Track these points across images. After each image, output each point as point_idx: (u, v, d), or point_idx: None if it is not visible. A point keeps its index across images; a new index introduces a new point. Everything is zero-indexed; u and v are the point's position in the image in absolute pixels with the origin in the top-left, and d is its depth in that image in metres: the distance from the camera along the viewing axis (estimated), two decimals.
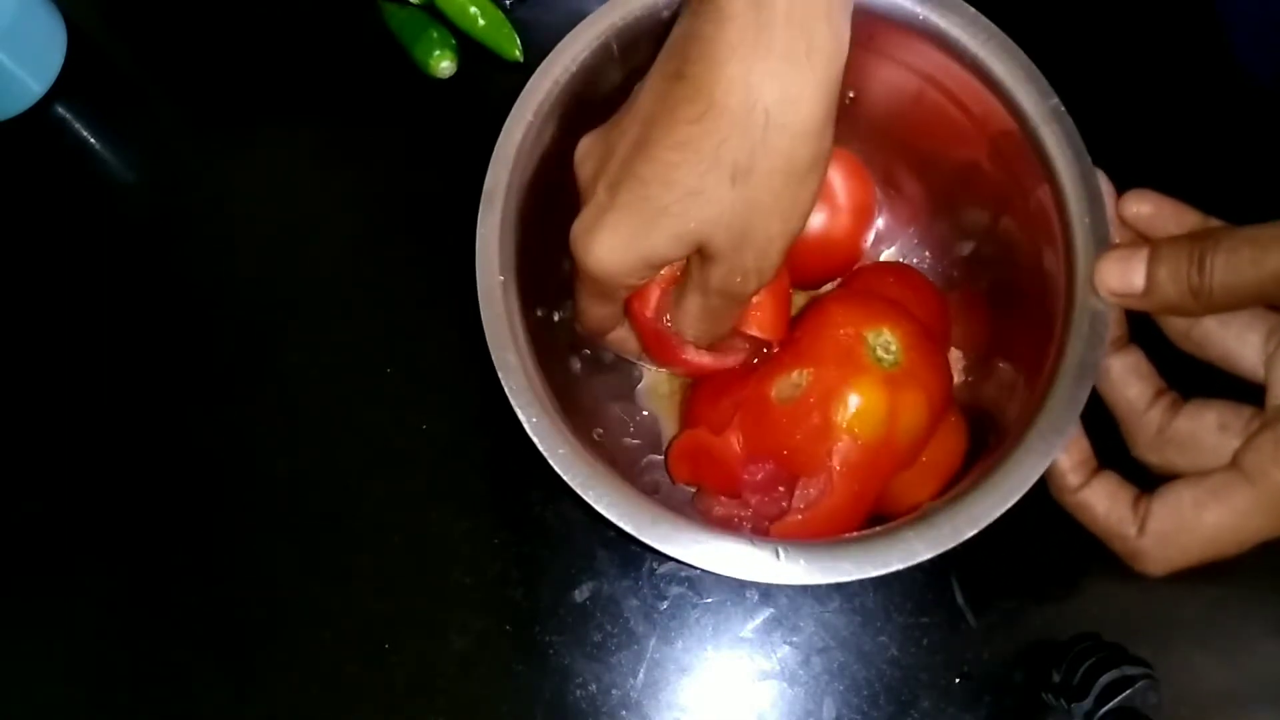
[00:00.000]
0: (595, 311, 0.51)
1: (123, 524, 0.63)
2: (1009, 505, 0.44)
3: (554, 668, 0.59)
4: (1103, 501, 0.46)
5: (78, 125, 0.73)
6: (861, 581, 0.43)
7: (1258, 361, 0.46)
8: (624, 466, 0.57)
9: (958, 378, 0.57)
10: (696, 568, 0.44)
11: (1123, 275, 0.45)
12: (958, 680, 0.59)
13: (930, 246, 0.61)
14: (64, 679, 0.61)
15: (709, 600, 0.60)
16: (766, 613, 0.60)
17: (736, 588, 0.61)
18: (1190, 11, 0.71)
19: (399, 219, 0.69)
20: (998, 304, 0.56)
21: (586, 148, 0.48)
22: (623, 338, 0.54)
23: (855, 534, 0.45)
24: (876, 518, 0.49)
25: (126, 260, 0.69)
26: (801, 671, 0.59)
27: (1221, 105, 0.69)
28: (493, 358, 0.47)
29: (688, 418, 0.58)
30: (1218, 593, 0.59)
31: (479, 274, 0.48)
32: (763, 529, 0.51)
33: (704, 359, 0.52)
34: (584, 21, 0.52)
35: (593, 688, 0.59)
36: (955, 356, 0.58)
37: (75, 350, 0.67)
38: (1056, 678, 0.55)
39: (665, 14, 0.51)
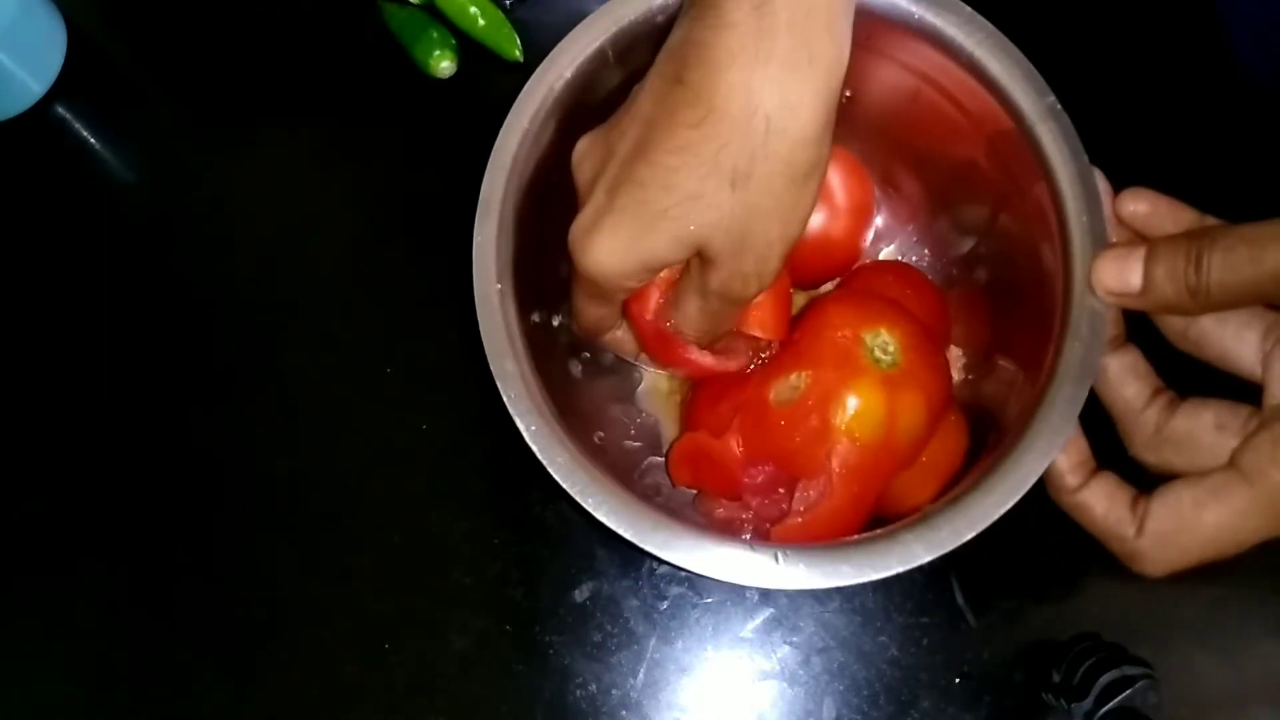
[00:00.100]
0: (592, 312, 0.51)
1: (123, 524, 0.63)
2: (1007, 507, 0.44)
3: (554, 668, 0.59)
4: (1101, 502, 0.46)
5: (78, 125, 0.73)
6: (861, 582, 0.43)
7: (1255, 360, 0.46)
8: (625, 469, 0.57)
9: (957, 375, 0.57)
10: (697, 573, 0.44)
11: (1120, 274, 0.45)
12: (958, 680, 0.59)
13: (929, 244, 0.61)
14: (64, 679, 0.61)
15: (709, 600, 0.60)
16: (766, 613, 0.60)
17: (736, 588, 0.61)
18: (1190, 11, 0.71)
19: (399, 219, 0.69)
20: (997, 302, 0.56)
21: (585, 149, 0.48)
22: (620, 338, 0.54)
23: (854, 537, 0.45)
24: (878, 518, 0.49)
25: (126, 260, 0.69)
26: (801, 671, 0.59)
27: (1221, 105, 0.69)
28: (491, 367, 0.47)
29: (687, 421, 0.58)
30: (1218, 593, 0.59)
31: (476, 282, 0.48)
32: (764, 531, 0.51)
33: (705, 360, 0.52)
34: (579, 26, 0.52)
35: (593, 688, 0.59)
36: (955, 354, 0.58)
37: (75, 350, 0.67)
38: (1056, 678, 0.55)
39: (660, 19, 0.51)
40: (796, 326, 0.52)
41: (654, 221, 0.43)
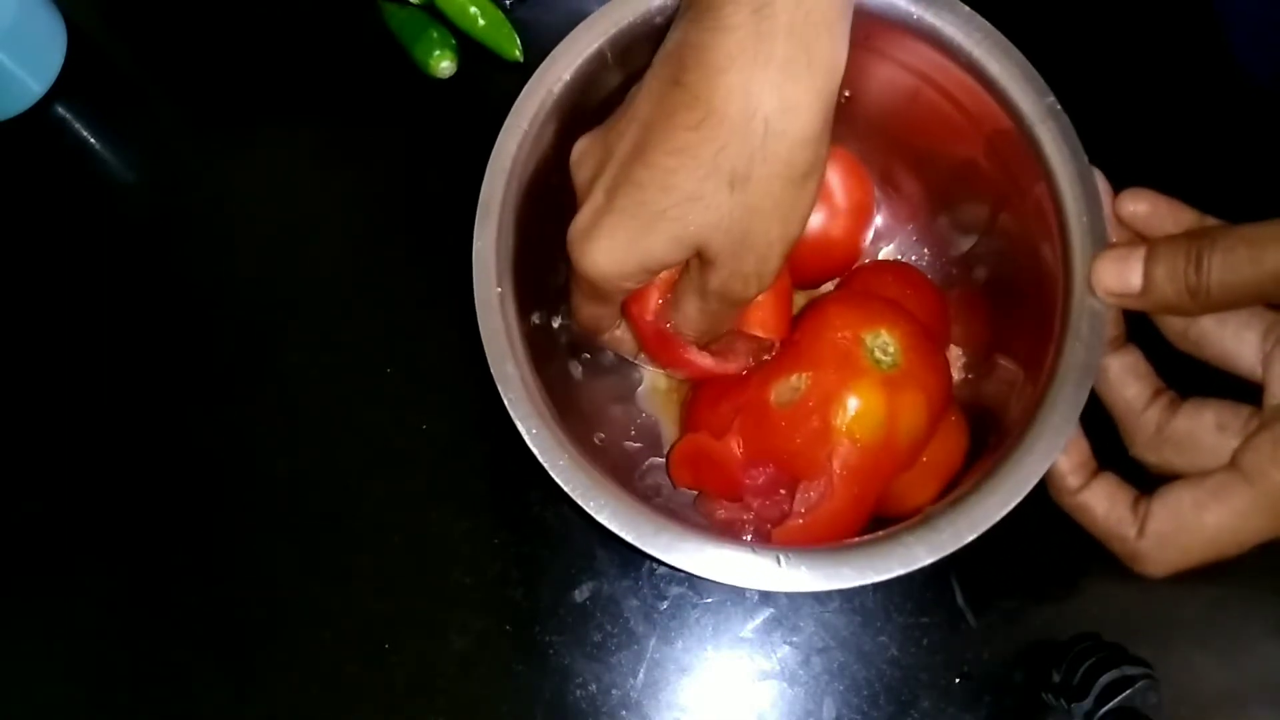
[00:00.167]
0: (591, 311, 0.52)
1: (123, 524, 0.63)
2: (1009, 509, 0.44)
3: (554, 668, 0.59)
4: (1102, 503, 0.46)
5: (78, 125, 0.73)
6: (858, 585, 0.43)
7: (1255, 360, 0.46)
8: (625, 470, 0.57)
9: (957, 375, 0.57)
10: (699, 575, 0.44)
11: (1120, 275, 0.45)
12: (958, 680, 0.59)
13: (929, 244, 0.61)
14: (64, 679, 0.61)
15: (709, 600, 0.60)
16: (766, 613, 0.60)
17: (736, 588, 0.60)
18: (1189, 11, 0.71)
19: (399, 219, 0.69)
20: (997, 301, 0.56)
21: (583, 150, 0.48)
22: (619, 338, 0.55)
23: (856, 539, 0.45)
24: (878, 519, 0.49)
25: (126, 260, 0.69)
26: (801, 671, 0.59)
27: (1220, 105, 0.69)
28: (492, 370, 0.47)
29: (688, 422, 0.57)
30: (1218, 593, 0.59)
31: (476, 286, 0.48)
32: (765, 532, 0.51)
33: (704, 362, 0.52)
34: (578, 28, 0.52)
35: (593, 688, 0.59)
36: (955, 354, 0.58)
37: (75, 350, 0.67)
38: (1056, 678, 0.55)
39: (659, 20, 0.51)
40: (797, 327, 0.52)
41: (652, 222, 0.43)
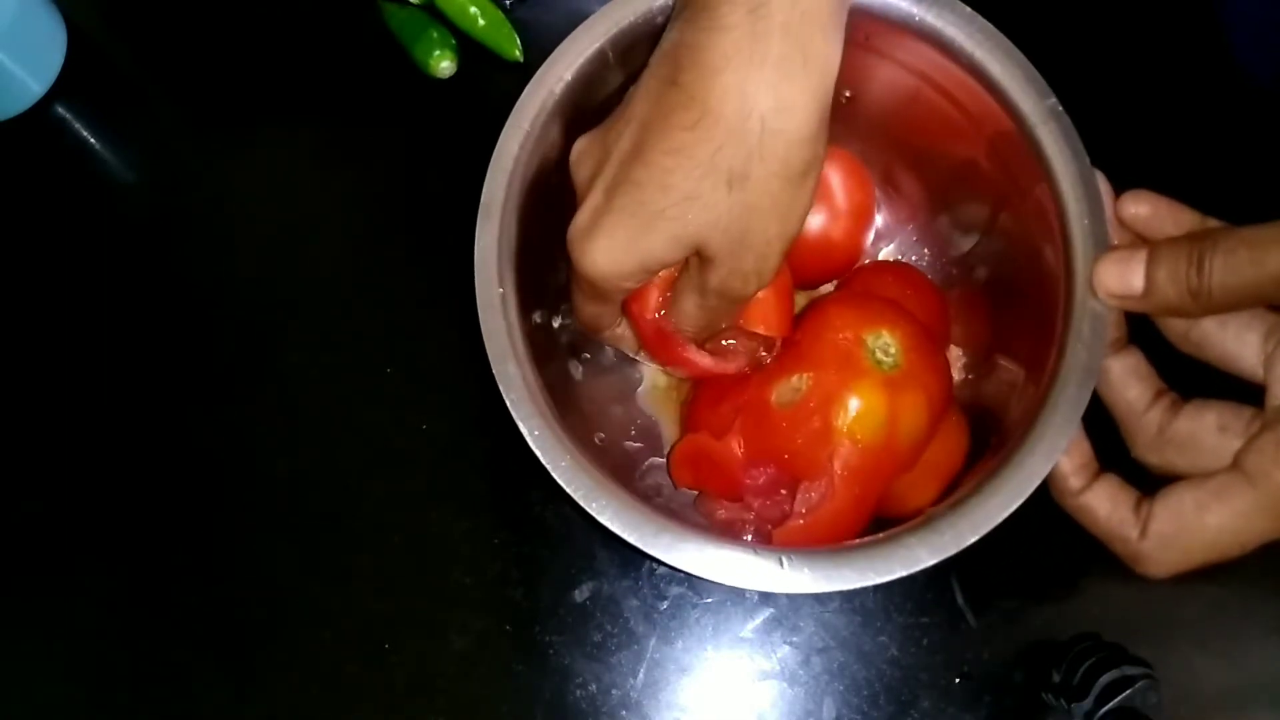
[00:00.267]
0: (591, 310, 0.52)
1: (123, 524, 0.63)
2: (1011, 510, 0.44)
3: (554, 668, 0.59)
4: (1104, 505, 0.46)
5: (78, 125, 0.73)
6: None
7: (1257, 362, 0.46)
8: (626, 470, 0.57)
9: (958, 375, 0.57)
10: (701, 576, 0.44)
11: (1121, 277, 0.45)
12: (958, 680, 0.59)
13: (929, 244, 0.61)
14: (64, 679, 0.61)
15: (709, 600, 0.60)
16: (766, 613, 0.60)
17: (736, 588, 0.60)
18: (1190, 11, 0.71)
19: (399, 219, 0.69)
20: (997, 302, 0.56)
21: (582, 150, 0.48)
22: (620, 335, 0.55)
23: (858, 541, 0.45)
24: (879, 519, 0.49)
25: (126, 260, 0.69)
26: (801, 671, 0.59)
27: (1221, 105, 0.69)
28: (494, 370, 0.47)
29: (689, 422, 0.57)
30: (1218, 593, 0.59)
31: (478, 287, 0.48)
32: (765, 533, 0.51)
33: (705, 361, 0.52)
34: (579, 28, 0.52)
35: (593, 688, 0.59)
36: (955, 354, 0.58)
37: (75, 350, 0.67)
38: (1056, 678, 0.55)
39: (660, 19, 0.51)
40: (797, 328, 0.52)
41: (651, 222, 0.44)
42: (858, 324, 0.50)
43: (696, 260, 0.46)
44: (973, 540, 0.43)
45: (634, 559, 0.61)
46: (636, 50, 0.51)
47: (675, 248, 0.44)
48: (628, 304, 0.51)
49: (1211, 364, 0.47)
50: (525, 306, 0.50)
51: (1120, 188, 0.49)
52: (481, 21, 0.70)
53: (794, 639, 0.60)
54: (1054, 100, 0.49)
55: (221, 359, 0.66)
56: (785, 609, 0.60)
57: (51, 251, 0.70)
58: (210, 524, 0.63)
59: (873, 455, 0.49)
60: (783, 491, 0.51)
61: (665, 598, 0.60)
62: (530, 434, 0.46)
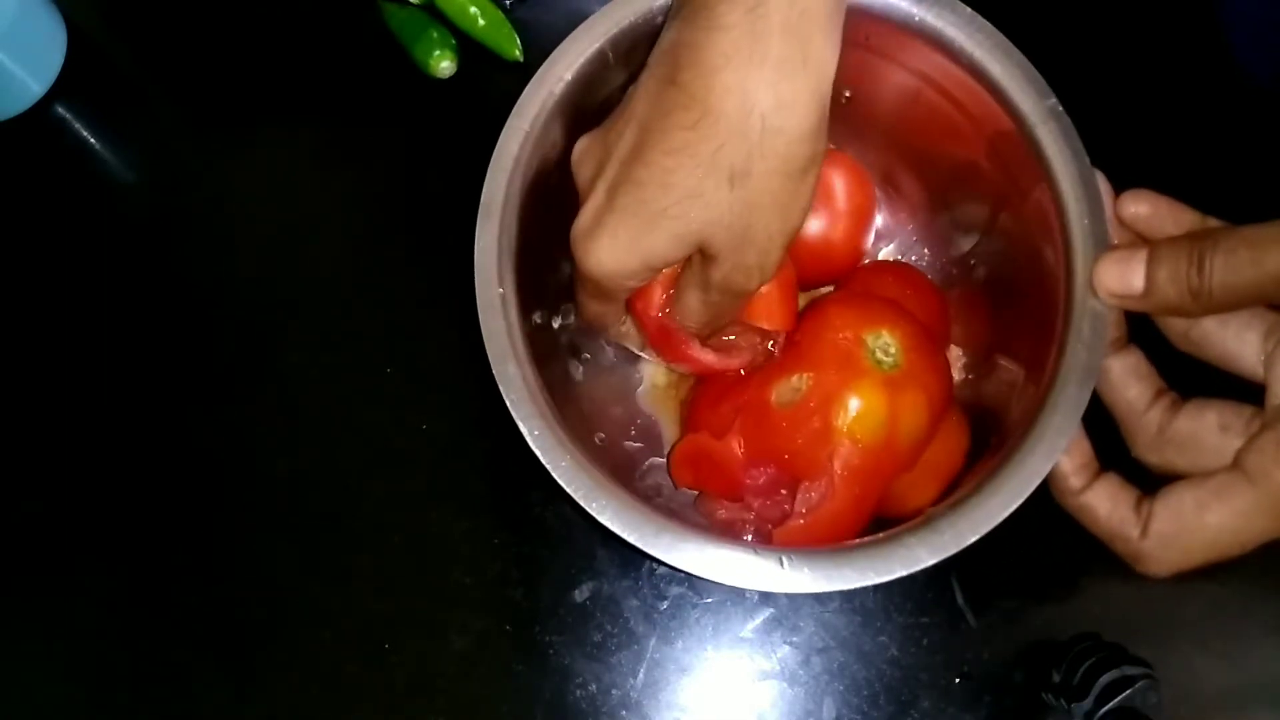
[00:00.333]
0: (596, 309, 0.52)
1: (123, 524, 0.63)
2: (1011, 510, 0.44)
3: (554, 668, 0.59)
4: (1105, 504, 0.46)
5: (78, 125, 0.73)
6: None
7: (1257, 361, 0.46)
8: (626, 470, 0.57)
9: (958, 375, 0.57)
10: (701, 576, 0.44)
11: (1121, 277, 0.45)
12: (958, 680, 0.59)
13: (929, 244, 0.61)
14: (64, 679, 0.61)
15: (709, 600, 0.60)
16: (766, 613, 0.60)
17: (736, 588, 0.60)
18: (1190, 11, 0.71)
19: (399, 219, 0.69)
20: (997, 302, 0.56)
21: (584, 149, 0.48)
22: (625, 332, 0.55)
23: (858, 540, 0.45)
24: (879, 519, 0.49)
25: (126, 260, 0.69)
26: (801, 671, 0.59)
27: (1220, 105, 0.69)
28: (494, 370, 0.47)
29: (689, 422, 0.57)
30: (1218, 592, 0.59)
31: (478, 287, 0.48)
32: (765, 533, 0.51)
33: (708, 357, 0.52)
34: (579, 28, 0.52)
35: (593, 688, 0.59)
36: (955, 354, 0.58)
37: (75, 350, 0.67)
38: (1056, 678, 0.55)
39: (660, 19, 0.51)
40: (797, 328, 0.52)
41: (654, 221, 0.44)
42: (858, 324, 0.50)
43: (699, 257, 0.46)
44: (973, 540, 0.43)
45: (634, 559, 0.61)
46: (637, 50, 0.51)
47: (678, 246, 0.45)
48: (632, 302, 0.51)
49: (1211, 363, 0.47)
50: (525, 307, 0.50)
51: (1120, 188, 0.49)
52: (481, 21, 0.70)
53: (794, 639, 0.60)
54: (1054, 100, 0.49)
55: (221, 359, 0.66)
56: (785, 609, 0.60)
57: (51, 251, 0.70)
58: (210, 524, 0.63)
59: (873, 455, 0.49)
60: (783, 491, 0.51)
61: (665, 598, 0.60)
62: (530, 434, 0.46)
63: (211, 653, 0.61)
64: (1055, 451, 0.45)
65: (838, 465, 0.48)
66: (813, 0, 0.41)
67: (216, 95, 0.73)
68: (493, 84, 0.71)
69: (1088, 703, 0.53)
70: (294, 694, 0.60)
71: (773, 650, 0.60)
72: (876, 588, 0.60)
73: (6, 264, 0.69)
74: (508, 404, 0.46)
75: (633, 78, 0.47)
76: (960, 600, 0.60)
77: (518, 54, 0.70)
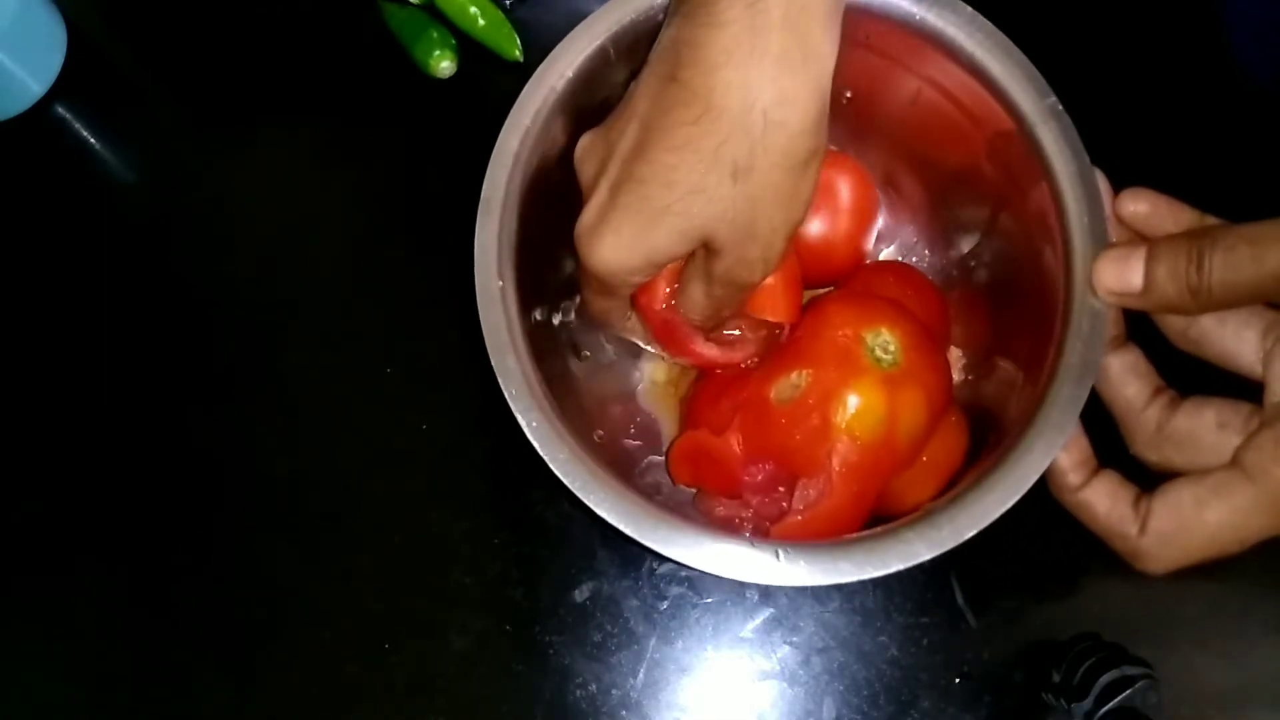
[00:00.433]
0: (601, 305, 0.52)
1: (123, 524, 0.63)
2: (1009, 505, 0.44)
3: (554, 668, 0.59)
4: (1103, 501, 0.46)
5: (78, 125, 0.73)
6: (862, 581, 0.43)
7: (1255, 359, 0.46)
8: (625, 468, 0.57)
9: (958, 376, 0.57)
10: (697, 569, 0.44)
11: (1120, 274, 0.45)
12: (958, 680, 0.59)
13: (929, 245, 0.61)
14: (64, 679, 0.61)
15: (709, 600, 0.60)
16: (766, 613, 0.60)
17: (736, 588, 0.61)
18: (1190, 11, 0.71)
19: (399, 219, 0.69)
20: (997, 302, 0.56)
21: (586, 146, 0.48)
22: (631, 327, 0.55)
23: (855, 534, 0.45)
24: (877, 517, 0.49)
25: (126, 260, 0.69)
26: (801, 671, 0.59)
27: (1221, 105, 0.69)
28: (493, 364, 0.47)
29: (688, 419, 0.58)
30: (1218, 593, 0.59)
31: (478, 280, 0.48)
32: (764, 529, 0.51)
33: (712, 351, 0.53)
34: (581, 24, 0.52)
35: (593, 688, 0.59)
36: (955, 355, 0.58)
37: (75, 350, 0.67)
38: (1056, 678, 0.55)
39: (662, 16, 0.51)
40: (797, 325, 0.52)
41: (657, 217, 0.44)
42: (857, 321, 0.50)
43: (703, 251, 0.46)
44: (970, 535, 0.43)
45: (634, 559, 0.61)
46: (638, 47, 0.51)
47: (682, 241, 0.45)
48: (636, 297, 0.51)
49: (1210, 361, 0.47)
50: (525, 303, 0.50)
51: (1119, 186, 0.49)
52: (481, 21, 0.70)
53: (794, 639, 0.60)
54: (1054, 99, 0.49)
55: (221, 359, 0.66)
56: (785, 609, 0.60)
57: (51, 251, 0.70)
58: (210, 524, 0.63)
59: (871, 452, 0.49)
60: (781, 489, 0.51)
61: (665, 598, 0.60)
62: (528, 425, 0.46)
63: (211, 653, 0.61)
64: (1053, 448, 0.44)
65: (836, 462, 0.48)
66: None
67: (216, 95, 0.74)
68: (493, 84, 0.71)
69: (1088, 703, 0.53)
70: (294, 694, 0.60)
71: (773, 650, 0.60)
72: (876, 587, 0.60)
73: (6, 264, 0.69)
74: (507, 397, 0.46)
75: (634, 75, 0.47)
76: (960, 600, 0.60)
77: (518, 54, 0.70)
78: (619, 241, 0.45)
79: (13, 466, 0.65)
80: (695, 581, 0.61)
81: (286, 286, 0.68)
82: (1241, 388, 0.46)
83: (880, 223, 0.62)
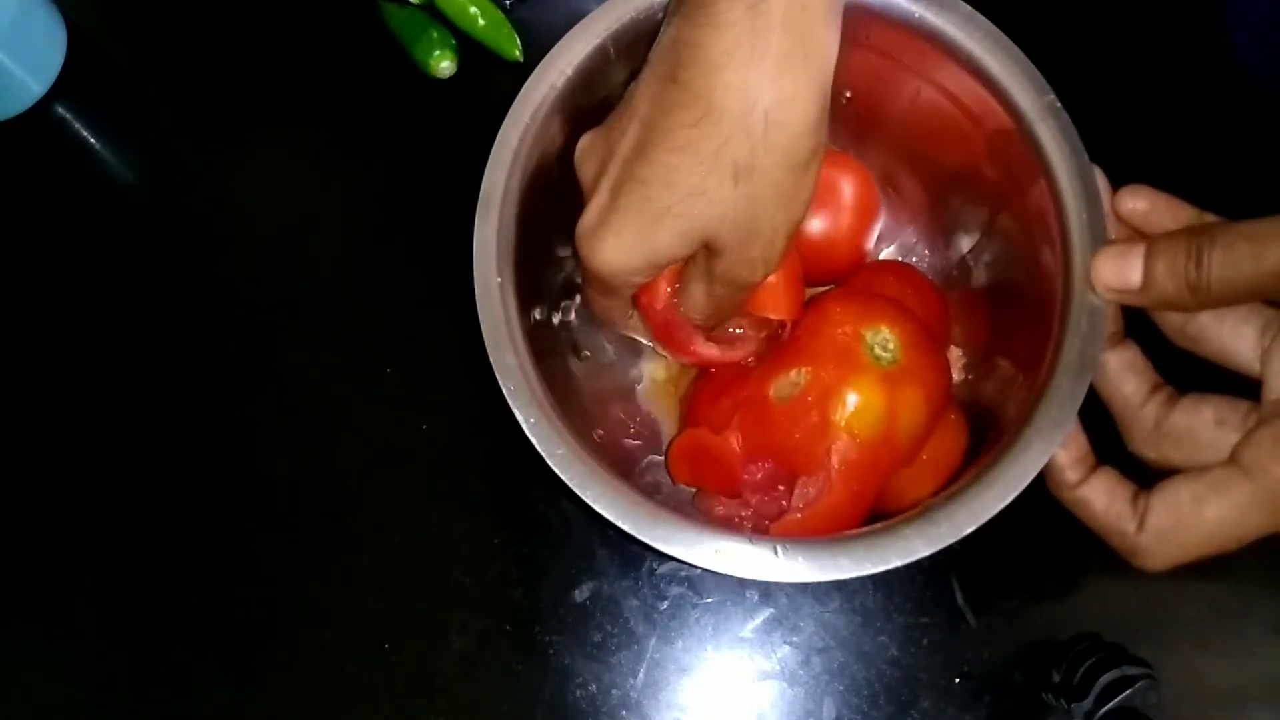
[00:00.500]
0: (603, 304, 0.53)
1: (123, 524, 0.63)
2: (1008, 501, 0.44)
3: (554, 668, 0.59)
4: (1101, 498, 0.46)
5: (78, 125, 0.73)
6: (861, 581, 0.43)
7: (1253, 356, 0.46)
8: (624, 467, 0.57)
9: (957, 375, 0.57)
10: (697, 567, 0.44)
11: (1119, 271, 0.45)
12: (958, 680, 0.59)
13: (929, 244, 0.61)
14: (64, 679, 0.61)
15: (709, 600, 0.60)
16: (766, 613, 0.60)
17: (736, 587, 0.61)
18: (1190, 11, 0.71)
19: (399, 219, 0.69)
20: (997, 301, 0.56)
21: (586, 147, 0.48)
22: (633, 324, 0.55)
23: (854, 531, 0.45)
24: (877, 515, 0.49)
25: (126, 260, 0.69)
26: (801, 671, 0.59)
27: (1220, 105, 0.69)
28: (491, 360, 0.47)
29: (687, 417, 0.58)
30: (1218, 592, 0.59)
31: (477, 278, 0.48)
32: (763, 528, 0.51)
33: (713, 351, 0.53)
34: (581, 23, 0.52)
35: (593, 688, 0.59)
36: (955, 354, 0.58)
37: (75, 350, 0.67)
38: (1056, 678, 0.55)
39: (661, 14, 0.51)
40: (797, 324, 0.52)
41: (658, 219, 0.44)
42: (857, 319, 0.50)
43: (704, 251, 0.46)
44: (969, 531, 0.43)
45: (634, 559, 0.61)
46: (638, 45, 0.51)
47: (683, 242, 0.45)
48: (637, 296, 0.52)
49: (1208, 358, 0.47)
50: (524, 301, 0.50)
51: (1118, 187, 0.49)
52: (481, 21, 0.70)
53: (794, 639, 0.60)
54: (1052, 96, 0.49)
55: (221, 359, 0.66)
56: (785, 609, 0.60)
57: (51, 251, 0.70)
58: (210, 524, 0.63)
59: (870, 450, 0.49)
60: (780, 487, 0.51)
61: (665, 598, 0.60)
62: (526, 422, 0.46)
63: (211, 653, 0.61)
64: (1052, 444, 0.44)
65: (835, 460, 0.48)
66: None
67: (216, 95, 0.74)
68: (493, 84, 0.71)
69: (1088, 703, 0.53)
70: (294, 694, 0.60)
71: (773, 650, 0.60)
72: (876, 587, 0.60)
73: (7, 264, 0.69)
74: (505, 393, 0.46)
75: (634, 74, 0.47)
76: (960, 600, 0.60)
77: (518, 54, 0.70)
78: (620, 243, 0.45)
79: (13, 466, 0.65)
80: (695, 581, 0.61)
81: (286, 286, 0.68)
82: (1239, 385, 0.46)
83: (880, 223, 0.62)
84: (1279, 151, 0.67)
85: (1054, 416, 0.45)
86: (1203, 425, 0.46)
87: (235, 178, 0.71)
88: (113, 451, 0.65)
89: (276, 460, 0.64)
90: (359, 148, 0.71)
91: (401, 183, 0.70)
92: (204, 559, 0.62)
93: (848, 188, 0.58)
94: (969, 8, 0.51)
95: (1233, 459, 0.44)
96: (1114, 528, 0.46)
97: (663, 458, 0.58)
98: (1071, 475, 0.47)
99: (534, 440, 0.46)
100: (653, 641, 0.60)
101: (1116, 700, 0.52)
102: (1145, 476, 0.46)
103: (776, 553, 0.43)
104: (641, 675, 0.59)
